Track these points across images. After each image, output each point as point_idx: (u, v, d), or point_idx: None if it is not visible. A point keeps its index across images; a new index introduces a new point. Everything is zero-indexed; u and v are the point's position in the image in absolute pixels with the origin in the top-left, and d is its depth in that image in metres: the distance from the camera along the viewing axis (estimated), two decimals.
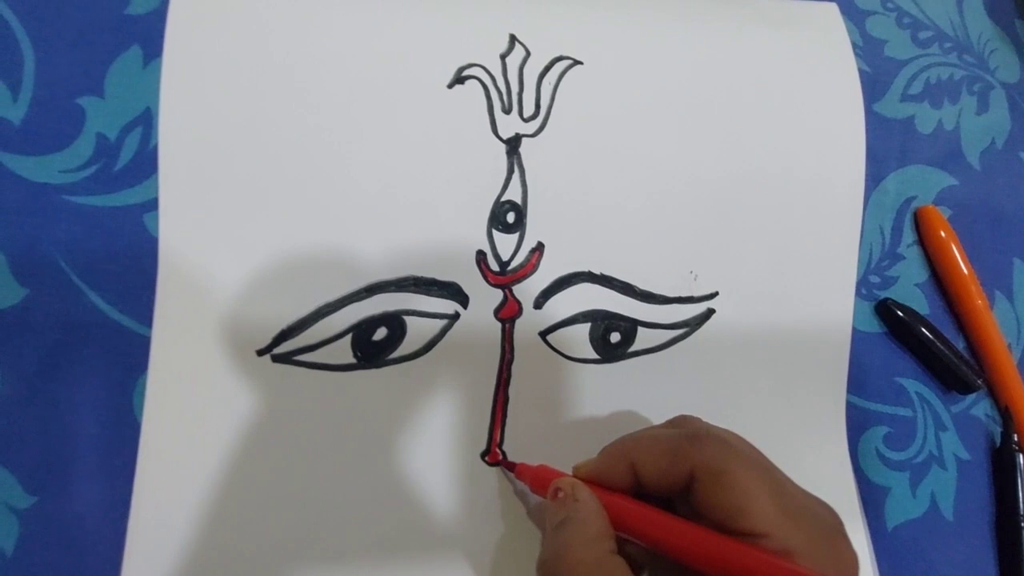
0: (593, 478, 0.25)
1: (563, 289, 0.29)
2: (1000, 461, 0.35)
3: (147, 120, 0.27)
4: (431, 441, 0.28)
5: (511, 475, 0.28)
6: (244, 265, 0.27)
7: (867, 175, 0.34)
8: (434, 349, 0.28)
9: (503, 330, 0.29)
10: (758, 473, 0.23)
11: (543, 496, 0.26)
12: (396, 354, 0.28)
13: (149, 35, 0.28)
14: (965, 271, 0.35)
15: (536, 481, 0.27)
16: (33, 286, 0.26)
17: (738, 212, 0.32)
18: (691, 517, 0.23)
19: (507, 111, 0.30)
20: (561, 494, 0.25)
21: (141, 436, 0.25)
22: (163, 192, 0.26)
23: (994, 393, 0.36)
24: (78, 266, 0.26)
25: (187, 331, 0.26)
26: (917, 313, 0.35)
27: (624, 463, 0.25)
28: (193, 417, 0.26)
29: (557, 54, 0.30)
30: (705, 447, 0.24)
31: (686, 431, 0.25)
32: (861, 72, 0.35)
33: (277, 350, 0.27)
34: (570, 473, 0.26)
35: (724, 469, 0.23)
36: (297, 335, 0.27)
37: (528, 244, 0.29)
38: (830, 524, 0.24)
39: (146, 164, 0.27)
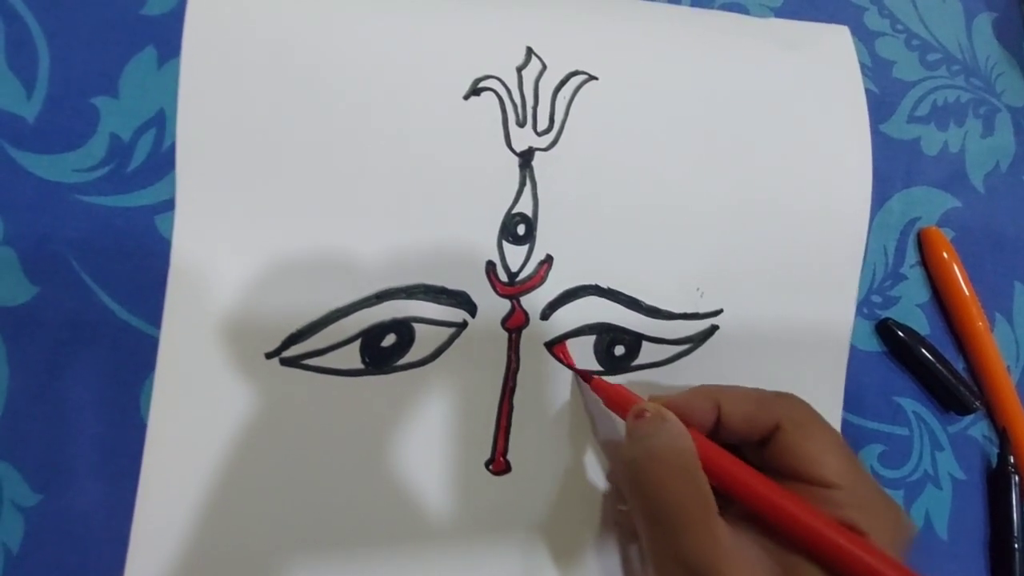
0: (675, 410, 0.26)
1: (570, 301, 0.29)
2: (996, 482, 0.35)
3: (160, 122, 0.27)
4: (436, 448, 0.28)
5: (585, 386, 0.29)
6: (255, 268, 0.27)
7: (872, 195, 0.34)
8: (441, 356, 0.28)
9: (509, 339, 0.29)
10: (836, 436, 0.26)
11: (615, 411, 0.28)
12: (404, 360, 0.28)
13: (164, 36, 0.28)
14: (966, 293, 0.36)
15: (613, 399, 0.28)
16: (43, 284, 0.26)
17: (745, 230, 0.32)
18: (760, 468, 0.25)
19: (521, 124, 0.30)
20: (648, 414, 0.26)
21: (147, 436, 0.25)
22: (180, 193, 0.27)
23: (992, 414, 0.36)
24: (89, 265, 0.26)
25: (195, 332, 0.26)
26: (917, 333, 0.35)
27: (710, 403, 0.26)
28: (200, 418, 0.26)
29: (573, 68, 0.31)
30: (793, 403, 0.27)
31: (772, 390, 0.27)
32: (869, 93, 0.36)
33: (286, 353, 0.27)
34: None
35: (809, 424, 0.26)
36: (306, 339, 0.27)
37: (537, 256, 0.29)
38: (890, 498, 0.25)
39: (159, 166, 0.27)
